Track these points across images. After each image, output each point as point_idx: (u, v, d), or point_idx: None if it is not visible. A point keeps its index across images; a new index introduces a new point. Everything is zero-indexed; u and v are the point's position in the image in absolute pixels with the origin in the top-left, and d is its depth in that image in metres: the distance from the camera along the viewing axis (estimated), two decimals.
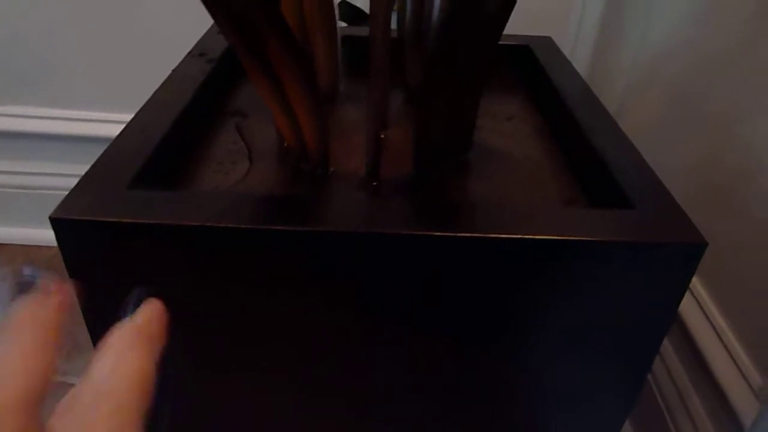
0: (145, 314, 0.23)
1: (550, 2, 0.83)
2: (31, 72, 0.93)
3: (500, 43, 0.47)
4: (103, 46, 0.90)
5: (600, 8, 0.83)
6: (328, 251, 0.39)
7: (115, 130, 0.50)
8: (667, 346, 0.69)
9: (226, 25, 0.40)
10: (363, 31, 0.49)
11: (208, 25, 0.67)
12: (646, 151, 0.47)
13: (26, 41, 0.90)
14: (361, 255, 0.39)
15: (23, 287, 0.21)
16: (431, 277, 0.40)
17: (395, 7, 0.59)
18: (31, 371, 0.18)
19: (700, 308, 0.64)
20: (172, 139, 0.48)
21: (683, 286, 0.40)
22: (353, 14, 0.75)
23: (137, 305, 0.23)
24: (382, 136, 0.50)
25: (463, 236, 0.38)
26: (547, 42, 0.70)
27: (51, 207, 0.38)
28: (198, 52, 0.61)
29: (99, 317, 0.43)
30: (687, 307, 0.65)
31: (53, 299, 0.21)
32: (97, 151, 0.47)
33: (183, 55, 0.62)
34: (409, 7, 0.56)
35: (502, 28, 0.44)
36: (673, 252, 0.39)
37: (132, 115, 0.51)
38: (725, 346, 0.59)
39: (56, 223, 0.37)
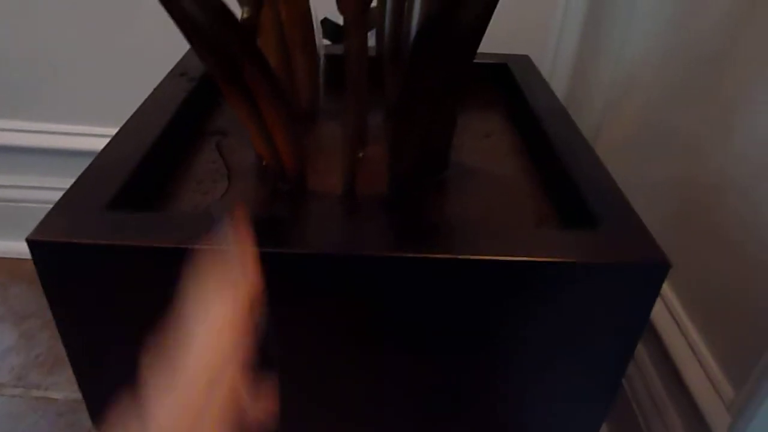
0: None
1: (530, 21, 0.85)
2: (13, 87, 0.94)
3: (479, 61, 0.48)
4: (86, 61, 0.91)
5: (579, 26, 0.85)
6: (300, 272, 0.39)
7: (98, 144, 0.50)
8: (644, 358, 0.70)
9: (201, 50, 0.40)
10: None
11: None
12: (623, 168, 0.48)
13: (7, 58, 0.91)
14: (336, 276, 0.40)
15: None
16: (407, 295, 0.41)
17: (373, 26, 0.60)
18: None
19: (674, 322, 0.65)
20: (152, 158, 0.48)
21: (649, 304, 0.42)
22: (336, 32, 0.75)
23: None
24: (360, 155, 0.51)
25: (437, 258, 0.39)
26: (525, 60, 0.72)
27: (33, 220, 0.39)
28: (179, 71, 0.62)
29: (77, 335, 0.44)
30: (662, 320, 0.66)
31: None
32: (81, 165, 0.47)
33: (166, 71, 0.62)
34: (387, 25, 0.56)
35: (477, 46, 0.45)
36: (636, 271, 0.40)
37: (116, 130, 0.52)
38: (698, 360, 0.60)
39: (33, 244, 0.38)
